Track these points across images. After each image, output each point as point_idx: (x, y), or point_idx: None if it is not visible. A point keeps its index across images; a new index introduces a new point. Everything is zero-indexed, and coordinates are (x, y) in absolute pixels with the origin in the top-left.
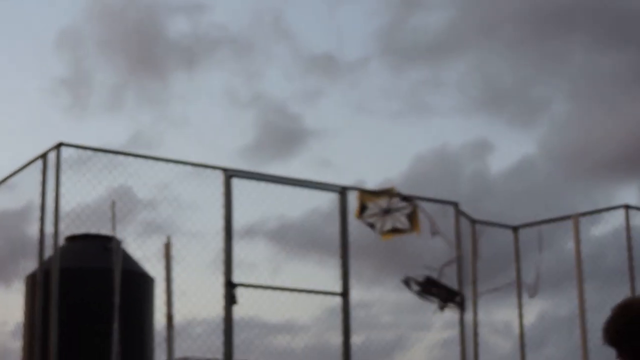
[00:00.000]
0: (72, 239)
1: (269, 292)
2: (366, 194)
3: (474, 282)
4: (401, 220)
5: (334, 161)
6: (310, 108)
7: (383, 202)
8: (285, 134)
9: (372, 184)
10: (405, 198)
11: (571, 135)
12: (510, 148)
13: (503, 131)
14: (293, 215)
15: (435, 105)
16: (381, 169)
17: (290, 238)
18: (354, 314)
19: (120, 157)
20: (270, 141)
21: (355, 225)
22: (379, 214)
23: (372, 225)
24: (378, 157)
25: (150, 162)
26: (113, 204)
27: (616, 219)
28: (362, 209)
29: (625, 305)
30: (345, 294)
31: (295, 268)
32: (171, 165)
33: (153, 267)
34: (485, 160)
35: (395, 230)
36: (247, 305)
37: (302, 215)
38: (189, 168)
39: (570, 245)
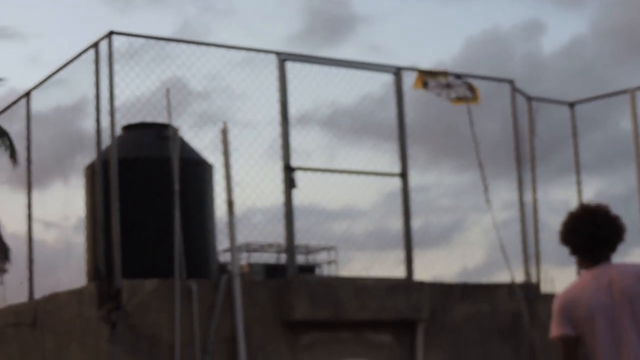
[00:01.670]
0: (128, 128)
1: (327, 177)
2: (424, 73)
3: (532, 160)
4: (464, 91)
5: (384, 46)
6: None
7: (442, 79)
8: (334, 21)
9: (424, 67)
10: (460, 77)
11: (622, 13)
12: (561, 28)
13: (553, 11)
14: (346, 101)
15: None
16: (432, 53)
17: (344, 124)
18: (412, 197)
19: (169, 48)
20: (318, 28)
21: (410, 107)
22: (441, 86)
23: (438, 95)
24: (428, 40)
25: (201, 50)
26: (168, 91)
27: None
28: (424, 84)
29: (584, 212)
30: (404, 175)
31: (351, 154)
32: (222, 51)
33: (210, 156)
34: (537, 41)
35: (460, 99)
36: (305, 190)
37: (355, 100)
38: (239, 56)
39: (625, 123)
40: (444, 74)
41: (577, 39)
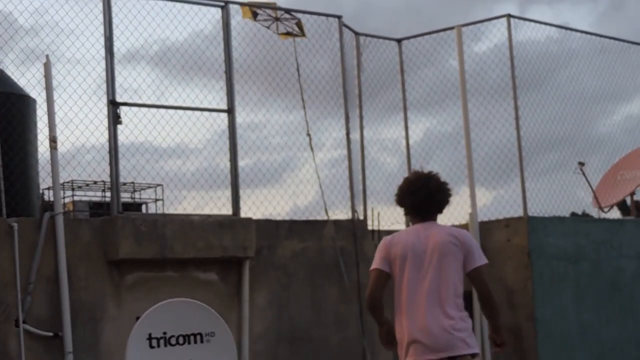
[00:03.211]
0: None
1: (155, 114)
2: (253, 5)
3: (360, 98)
4: (292, 27)
5: None
6: None
7: (271, 12)
8: None
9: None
10: (288, 12)
11: None
12: None
13: None
14: (176, 38)
15: None
16: None
17: (174, 62)
18: (244, 136)
19: None
20: None
21: (240, 43)
22: (271, 19)
23: (267, 27)
24: None
25: None
26: None
27: (498, 31)
28: (253, 15)
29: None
30: (231, 111)
31: (181, 93)
32: None
33: (35, 93)
34: None
35: (289, 34)
36: (133, 128)
37: (185, 37)
38: None
39: (452, 62)
40: (273, 7)
41: None
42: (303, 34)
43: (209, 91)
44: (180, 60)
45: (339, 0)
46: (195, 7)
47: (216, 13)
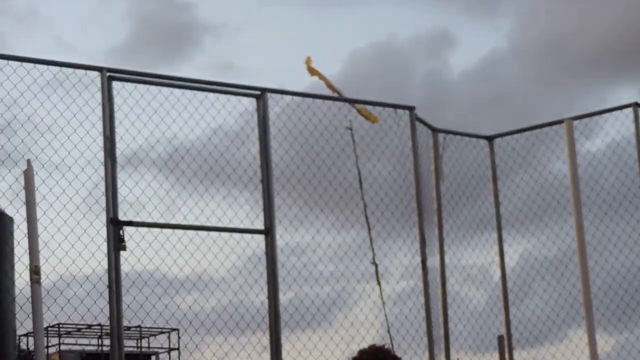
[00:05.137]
0: None
1: (170, 236)
2: (314, 70)
3: (439, 212)
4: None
5: (239, 64)
6: None
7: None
8: (172, 30)
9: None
10: (351, 102)
11: (546, 24)
12: (474, 42)
13: (462, 20)
14: (191, 135)
15: None
16: (304, 72)
17: (189, 165)
18: (285, 263)
19: None
20: (151, 39)
21: (276, 143)
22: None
23: (337, 93)
24: (299, 56)
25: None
26: None
27: (617, 124)
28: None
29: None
30: (269, 232)
31: (198, 205)
32: (26, 68)
33: (9, 207)
34: (443, 57)
35: (361, 113)
36: (141, 253)
37: (204, 133)
38: (49, 74)
39: (556, 164)
40: (337, 98)
41: (493, 56)
42: (372, 118)
43: (235, 202)
44: (197, 163)
45: (409, 85)
46: (215, 96)
47: (246, 101)
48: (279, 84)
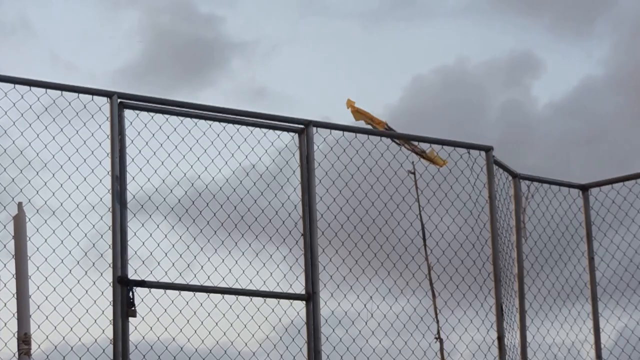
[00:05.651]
0: None
1: (186, 300)
2: (359, 111)
3: (520, 278)
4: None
5: (275, 90)
6: (231, 8)
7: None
8: (193, 48)
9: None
10: (407, 139)
11: None
12: (563, 69)
13: (547, 43)
14: (218, 177)
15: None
16: (356, 100)
17: (213, 214)
18: (330, 336)
19: None
20: (168, 59)
21: (322, 188)
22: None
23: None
24: (346, 82)
25: None
26: None
27: None
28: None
29: None
30: (311, 298)
31: (224, 264)
32: (19, 92)
33: (2, 267)
34: (525, 86)
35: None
36: (151, 320)
37: (232, 176)
38: (46, 98)
39: None
40: (383, 125)
41: (586, 86)
42: (442, 161)
43: (277, 265)
44: (231, 215)
45: (483, 120)
46: (247, 129)
47: (284, 136)
48: (324, 116)
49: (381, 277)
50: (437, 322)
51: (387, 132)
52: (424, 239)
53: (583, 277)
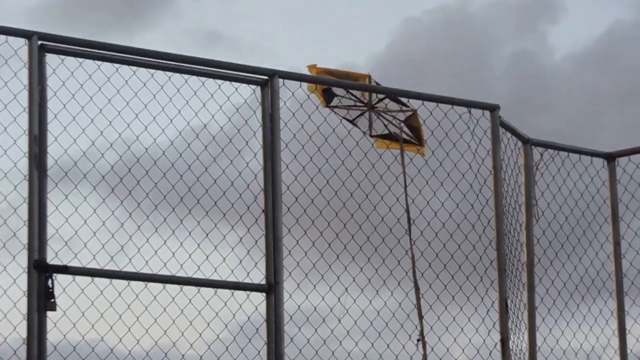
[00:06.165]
0: None
1: (118, 290)
2: (327, 72)
3: (529, 264)
4: (399, 127)
5: (230, 34)
6: None
7: (358, 94)
8: None
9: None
10: (397, 99)
11: None
12: (585, 13)
13: None
14: (161, 139)
15: None
16: (332, 48)
17: (154, 184)
18: (288, 333)
19: None
20: None
21: (288, 155)
22: (357, 106)
23: (352, 122)
24: (320, 25)
25: None
26: None
27: None
28: (327, 94)
29: None
30: (272, 289)
31: (166, 246)
32: None
33: None
34: (539, 31)
35: (391, 138)
36: (74, 315)
37: (177, 138)
38: None
39: None
40: (364, 78)
41: (613, 34)
42: (420, 144)
43: (230, 248)
44: (176, 185)
45: (483, 79)
46: (197, 80)
47: (244, 89)
48: (292, 66)
49: (359, 265)
50: (421, 321)
51: (370, 86)
52: (409, 220)
53: (607, 266)
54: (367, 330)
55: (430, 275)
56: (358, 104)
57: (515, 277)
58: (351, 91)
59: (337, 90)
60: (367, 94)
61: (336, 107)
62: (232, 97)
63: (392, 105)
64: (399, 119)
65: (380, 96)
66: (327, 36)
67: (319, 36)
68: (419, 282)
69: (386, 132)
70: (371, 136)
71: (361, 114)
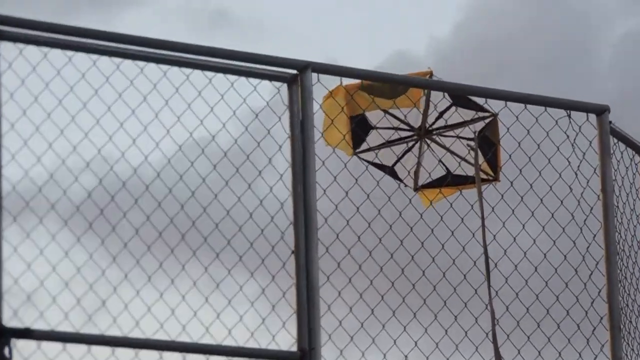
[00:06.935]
0: None
1: (93, 358)
2: (366, 88)
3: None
4: (463, 152)
5: (243, 15)
6: None
7: (407, 110)
8: None
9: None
10: (465, 102)
11: None
12: None
13: None
14: (154, 156)
15: None
16: (379, 32)
17: (147, 217)
18: None
19: None
20: None
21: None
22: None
23: (392, 173)
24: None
25: None
26: None
27: None
28: (358, 123)
29: None
30: (307, 356)
31: (162, 300)
32: None
33: None
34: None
35: (439, 181)
36: None
37: (176, 155)
38: None
39: None
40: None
41: None
42: (495, 175)
43: (251, 304)
44: (175, 219)
45: (585, 73)
46: (202, 75)
47: (266, 87)
48: (328, 57)
49: (422, 324)
50: None
51: (431, 81)
52: (487, 263)
53: None
54: None
55: (518, 337)
56: (403, 129)
57: (634, 338)
58: (394, 112)
59: (373, 117)
60: (420, 117)
61: (368, 150)
62: (249, 99)
63: (464, 113)
64: (473, 131)
65: (441, 108)
66: (371, 16)
67: (359, 16)
68: (502, 348)
69: (441, 173)
70: (415, 190)
71: (407, 151)
